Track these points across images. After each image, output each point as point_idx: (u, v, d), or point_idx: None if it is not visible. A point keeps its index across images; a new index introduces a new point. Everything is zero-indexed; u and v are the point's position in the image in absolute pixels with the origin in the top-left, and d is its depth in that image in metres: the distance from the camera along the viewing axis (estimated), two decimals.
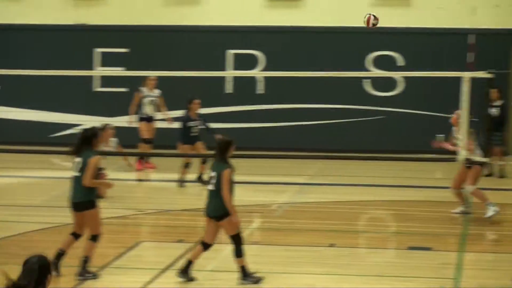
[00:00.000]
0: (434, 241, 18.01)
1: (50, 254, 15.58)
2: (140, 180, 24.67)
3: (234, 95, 27.53)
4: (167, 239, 18.27)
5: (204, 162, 22.12)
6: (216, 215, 14.49)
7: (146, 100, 24.32)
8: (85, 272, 14.71)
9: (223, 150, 14.74)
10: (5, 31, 28.75)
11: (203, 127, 22.50)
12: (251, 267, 14.14)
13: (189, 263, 14.60)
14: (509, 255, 17.40)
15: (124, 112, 26.65)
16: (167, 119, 24.39)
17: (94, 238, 14.78)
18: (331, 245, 16.89)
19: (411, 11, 27.59)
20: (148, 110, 24.32)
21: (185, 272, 14.62)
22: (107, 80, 28.31)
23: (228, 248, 14.63)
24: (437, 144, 20.66)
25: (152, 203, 21.66)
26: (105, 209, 17.74)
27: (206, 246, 14.68)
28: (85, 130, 15.24)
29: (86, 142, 14.83)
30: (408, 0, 27.65)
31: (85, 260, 14.69)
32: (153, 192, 23.97)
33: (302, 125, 27.37)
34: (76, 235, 14.92)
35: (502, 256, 17.61)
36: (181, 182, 22.78)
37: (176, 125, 22.90)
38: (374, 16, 17.89)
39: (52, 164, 25.95)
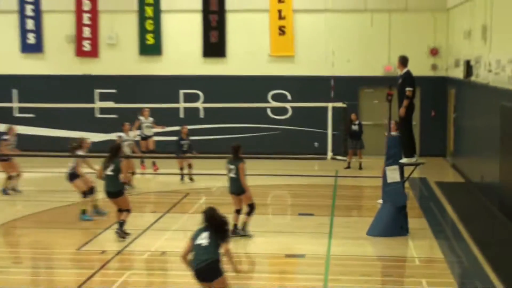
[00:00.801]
0: (315, 210, 18.42)
1: None
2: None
3: (184, 119, 27.54)
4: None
5: (189, 167, 22.02)
6: (238, 192, 15.20)
7: (143, 125, 23.83)
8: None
9: (237, 150, 15.31)
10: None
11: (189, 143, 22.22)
12: None
13: (235, 225, 15.14)
14: (362, 218, 17.84)
15: (114, 131, 26.68)
16: (162, 127, 24.21)
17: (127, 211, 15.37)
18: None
19: (295, 65, 27.84)
20: (145, 131, 23.82)
21: (235, 231, 15.11)
22: (103, 110, 28.13)
23: None
24: None
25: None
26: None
27: (238, 211, 15.39)
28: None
29: (115, 153, 15.40)
30: (293, 58, 27.87)
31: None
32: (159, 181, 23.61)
33: (228, 137, 27.50)
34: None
35: (357, 218, 18.04)
36: (182, 176, 22.20)
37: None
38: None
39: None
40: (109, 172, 15.13)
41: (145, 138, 23.95)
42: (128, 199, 15.54)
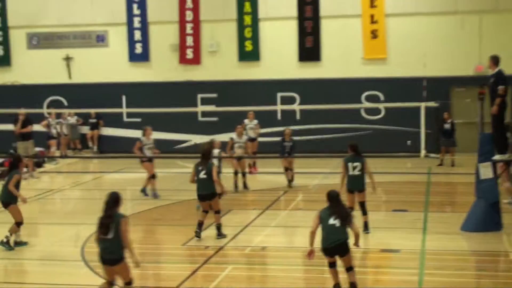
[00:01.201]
0: (409, 206, 18.07)
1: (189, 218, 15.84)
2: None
3: (281, 120, 27.55)
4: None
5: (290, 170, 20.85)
6: (360, 189, 15.02)
7: (248, 127, 23.31)
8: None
9: (357, 148, 15.07)
10: None
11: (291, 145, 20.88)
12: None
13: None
14: (456, 213, 17.44)
15: (215, 132, 26.94)
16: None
17: (219, 212, 15.03)
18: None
19: (388, 67, 27.48)
20: (249, 133, 23.15)
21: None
22: (205, 113, 28.41)
23: None
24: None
25: None
26: None
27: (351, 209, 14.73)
28: (203, 144, 15.38)
29: (206, 155, 14.94)
30: (385, 60, 27.51)
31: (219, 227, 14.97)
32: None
33: (323, 137, 27.40)
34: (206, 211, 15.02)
35: (451, 214, 17.65)
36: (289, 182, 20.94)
37: None
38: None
39: (176, 164, 26.16)
40: (202, 175, 14.80)
41: (250, 140, 22.82)
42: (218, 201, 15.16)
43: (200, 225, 14.85)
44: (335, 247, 10.61)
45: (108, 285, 10.46)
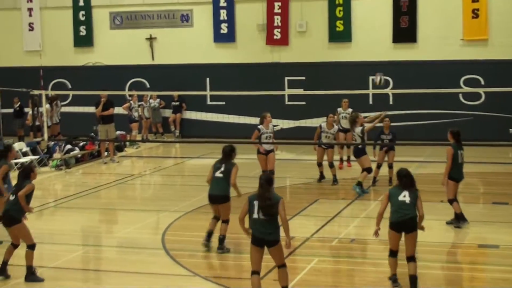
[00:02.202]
0: (510, 198, 17.57)
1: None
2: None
3: (373, 105, 27.27)
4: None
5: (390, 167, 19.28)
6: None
7: (341, 116, 22.07)
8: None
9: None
10: None
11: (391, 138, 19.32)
12: None
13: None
14: None
15: (303, 117, 26.91)
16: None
17: (227, 222, 13.37)
18: (441, 201, 15.99)
19: (489, 49, 26.85)
20: (343, 123, 21.65)
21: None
22: (292, 97, 28.38)
23: None
24: None
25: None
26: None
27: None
28: (225, 147, 13.60)
29: (228, 156, 13.55)
30: (487, 42, 26.87)
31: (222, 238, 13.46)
32: None
33: (419, 123, 27.04)
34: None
35: None
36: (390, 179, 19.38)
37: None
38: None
39: None
40: (218, 174, 13.41)
41: (343, 130, 21.55)
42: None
43: (209, 235, 13.51)
44: (405, 221, 11.00)
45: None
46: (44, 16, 31.48)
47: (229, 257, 13.20)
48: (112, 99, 24.37)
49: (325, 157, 19.84)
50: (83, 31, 31.04)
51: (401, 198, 11.12)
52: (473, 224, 14.98)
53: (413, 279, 10.93)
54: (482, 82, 26.61)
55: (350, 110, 22.13)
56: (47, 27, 31.44)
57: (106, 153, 24.43)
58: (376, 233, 11.35)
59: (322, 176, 20.09)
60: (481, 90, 26.50)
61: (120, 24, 30.78)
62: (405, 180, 11.29)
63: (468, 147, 15.78)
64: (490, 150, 23.70)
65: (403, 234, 11.07)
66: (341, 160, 22.29)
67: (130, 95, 28.03)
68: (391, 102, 27.48)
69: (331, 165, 19.77)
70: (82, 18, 30.95)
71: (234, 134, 26.00)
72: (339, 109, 22.45)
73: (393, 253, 11.20)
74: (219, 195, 13.34)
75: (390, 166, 19.25)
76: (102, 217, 17.23)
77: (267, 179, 10.59)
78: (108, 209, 17.79)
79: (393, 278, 11.24)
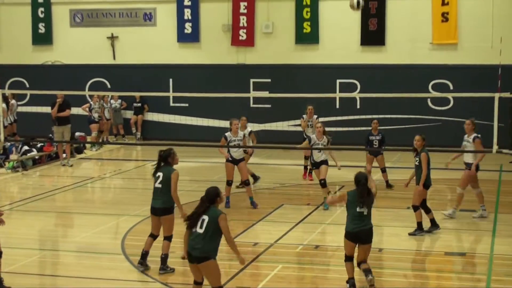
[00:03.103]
0: (477, 205, 17.68)
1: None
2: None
3: (340, 109, 27.42)
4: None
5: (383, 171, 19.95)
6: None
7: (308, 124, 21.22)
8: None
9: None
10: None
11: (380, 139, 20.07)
12: None
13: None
14: None
15: (268, 120, 26.99)
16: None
17: (169, 238, 12.54)
18: (408, 208, 15.94)
19: (459, 53, 27.14)
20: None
21: None
22: (257, 100, 28.44)
23: None
24: None
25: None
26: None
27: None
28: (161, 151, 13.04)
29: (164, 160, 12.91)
30: (456, 46, 27.13)
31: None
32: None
33: (386, 128, 27.14)
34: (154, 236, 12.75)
35: None
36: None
37: None
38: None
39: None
40: (157, 184, 12.83)
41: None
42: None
43: (143, 256, 12.75)
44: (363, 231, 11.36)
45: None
46: (2, 12, 31.21)
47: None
48: (69, 99, 24.15)
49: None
50: (42, 28, 30.83)
51: (358, 209, 11.40)
52: (440, 232, 15.14)
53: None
54: (451, 87, 26.88)
55: (315, 117, 21.26)
56: (4, 24, 31.18)
57: (64, 155, 24.25)
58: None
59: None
60: (449, 95, 26.76)
61: (81, 22, 30.62)
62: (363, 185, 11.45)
63: (437, 153, 15.93)
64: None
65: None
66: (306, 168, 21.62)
67: (90, 96, 27.90)
68: (358, 106, 27.67)
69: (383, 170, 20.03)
70: (41, 15, 30.72)
71: (198, 137, 26.09)
72: (304, 116, 21.46)
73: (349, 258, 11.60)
74: (160, 208, 12.48)
75: (383, 170, 19.81)
76: (60, 221, 17.14)
77: (208, 194, 10.29)
78: (66, 213, 17.70)
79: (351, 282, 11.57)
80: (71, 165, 23.98)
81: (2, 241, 11.62)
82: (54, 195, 19.53)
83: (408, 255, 13.85)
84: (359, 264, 11.49)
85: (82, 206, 18.40)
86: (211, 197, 10.27)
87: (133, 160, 26.33)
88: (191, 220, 10.14)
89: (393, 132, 26.96)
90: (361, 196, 11.31)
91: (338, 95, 27.36)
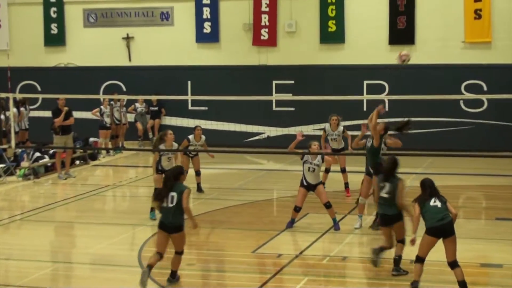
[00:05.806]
0: None
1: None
2: None
3: (367, 112, 27.23)
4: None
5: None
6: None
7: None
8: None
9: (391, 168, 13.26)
10: None
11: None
12: None
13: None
14: None
15: (292, 124, 26.91)
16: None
17: (181, 253, 12.43)
18: None
19: (493, 52, 26.95)
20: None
21: None
22: (280, 103, 28.37)
23: None
24: None
25: None
26: None
27: None
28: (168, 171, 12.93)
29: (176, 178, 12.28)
30: (490, 44, 26.95)
31: None
32: None
33: (416, 132, 27.02)
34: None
35: None
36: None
37: None
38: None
39: (246, 160, 26.16)
40: (169, 204, 12.14)
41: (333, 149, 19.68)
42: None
43: (149, 268, 12.27)
44: (443, 226, 11.83)
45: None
46: (12, 12, 31.34)
47: (212, 275, 13.14)
48: (83, 103, 24.02)
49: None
50: (54, 29, 30.94)
51: (432, 203, 11.89)
52: (475, 241, 15.00)
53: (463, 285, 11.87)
54: (485, 88, 26.71)
55: (341, 129, 19.86)
56: (15, 25, 31.29)
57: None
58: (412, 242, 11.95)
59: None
60: (483, 97, 26.60)
61: (95, 22, 30.70)
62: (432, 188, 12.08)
63: (469, 158, 15.80)
64: (493, 161, 23.70)
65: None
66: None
67: (104, 99, 27.88)
68: (386, 109, 27.48)
69: (343, 170, 19.62)
70: (54, 15, 30.84)
71: (217, 142, 25.95)
72: (326, 127, 19.96)
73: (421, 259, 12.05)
74: (171, 226, 12.18)
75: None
76: (73, 231, 17.13)
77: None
78: (80, 223, 17.67)
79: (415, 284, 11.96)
80: (75, 177, 23.47)
81: (13, 253, 11.61)
82: (67, 204, 19.52)
83: (441, 267, 13.68)
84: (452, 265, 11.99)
85: (97, 215, 18.38)
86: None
87: (149, 167, 26.19)
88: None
89: (423, 136, 26.84)
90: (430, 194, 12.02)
91: (365, 97, 27.22)
